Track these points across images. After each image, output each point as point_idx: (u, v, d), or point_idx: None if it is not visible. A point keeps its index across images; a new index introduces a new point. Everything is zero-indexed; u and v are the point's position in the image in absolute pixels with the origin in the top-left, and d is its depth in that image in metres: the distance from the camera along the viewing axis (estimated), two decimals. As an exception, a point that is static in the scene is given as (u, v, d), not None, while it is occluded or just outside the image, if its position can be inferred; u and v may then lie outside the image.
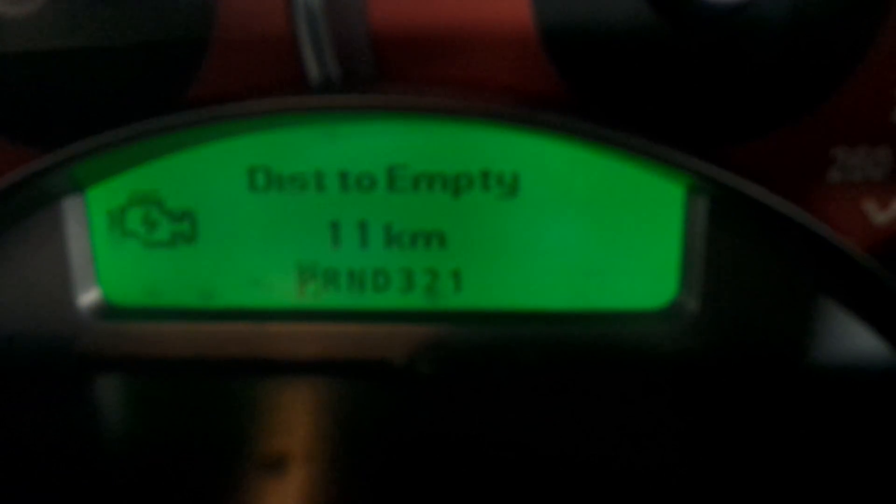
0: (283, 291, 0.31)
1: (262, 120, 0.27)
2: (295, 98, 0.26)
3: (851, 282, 0.27)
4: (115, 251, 0.31)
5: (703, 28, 0.27)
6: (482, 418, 0.28)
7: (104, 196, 0.31)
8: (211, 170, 0.30)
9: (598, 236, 0.30)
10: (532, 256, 0.30)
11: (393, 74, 0.28)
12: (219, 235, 0.31)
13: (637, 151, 0.26)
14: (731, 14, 0.26)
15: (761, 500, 0.24)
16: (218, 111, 0.26)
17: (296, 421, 0.28)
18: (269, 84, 0.28)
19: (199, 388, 0.30)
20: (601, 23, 0.27)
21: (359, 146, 0.30)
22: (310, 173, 0.30)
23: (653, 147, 0.26)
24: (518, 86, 0.28)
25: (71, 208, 0.31)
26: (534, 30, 0.28)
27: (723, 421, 0.28)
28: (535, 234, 0.30)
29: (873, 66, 0.27)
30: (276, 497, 0.25)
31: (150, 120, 0.27)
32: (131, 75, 0.29)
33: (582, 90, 0.28)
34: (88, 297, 0.31)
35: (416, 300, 0.31)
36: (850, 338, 0.29)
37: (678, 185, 0.29)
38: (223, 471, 0.26)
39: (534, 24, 0.28)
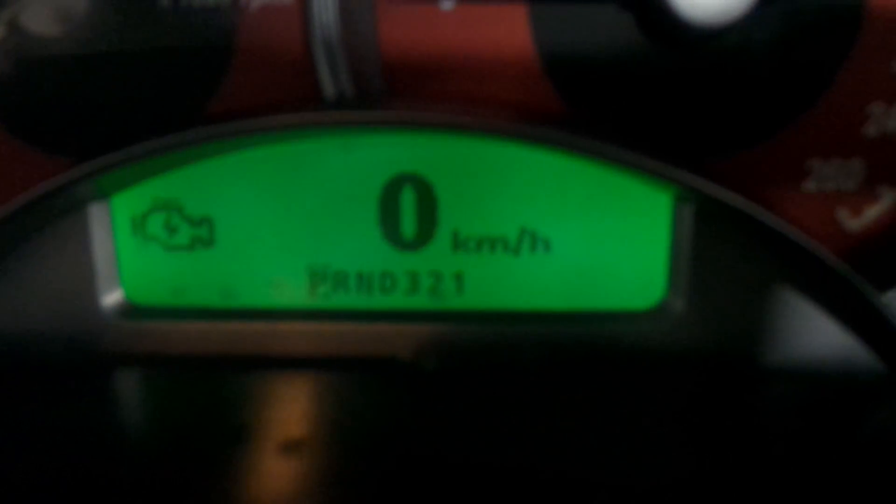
0: (296, 292, 0.33)
1: (279, 134, 0.29)
2: (311, 114, 0.28)
3: (826, 284, 0.29)
4: (137, 254, 0.33)
5: (689, 50, 0.29)
6: (480, 412, 0.29)
7: (128, 202, 0.33)
8: (228, 178, 0.32)
9: (590, 241, 0.31)
10: (529, 259, 0.32)
11: (401, 92, 0.30)
12: (235, 239, 0.33)
13: (628, 164, 0.28)
14: (716, 37, 0.28)
15: (743, 495, 0.26)
16: (240, 126, 0.28)
17: (308, 411, 0.30)
18: (285, 99, 0.30)
19: (215, 383, 0.32)
20: (596, 45, 0.29)
21: (367, 156, 0.32)
22: (319, 182, 0.32)
23: (642, 160, 0.28)
24: (518, 103, 0.30)
25: (96, 214, 0.33)
26: (533, 51, 0.30)
27: (706, 415, 0.29)
28: (531, 237, 0.32)
29: (846, 83, 0.30)
30: (291, 480, 0.27)
31: (174, 135, 0.29)
32: (156, 89, 0.31)
33: (578, 107, 0.30)
34: (112, 298, 0.33)
35: (420, 301, 0.33)
36: (826, 336, 0.31)
37: (666, 194, 0.31)
38: (241, 459, 0.28)
39: (534, 46, 0.30)
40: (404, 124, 0.28)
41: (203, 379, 0.32)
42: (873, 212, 0.31)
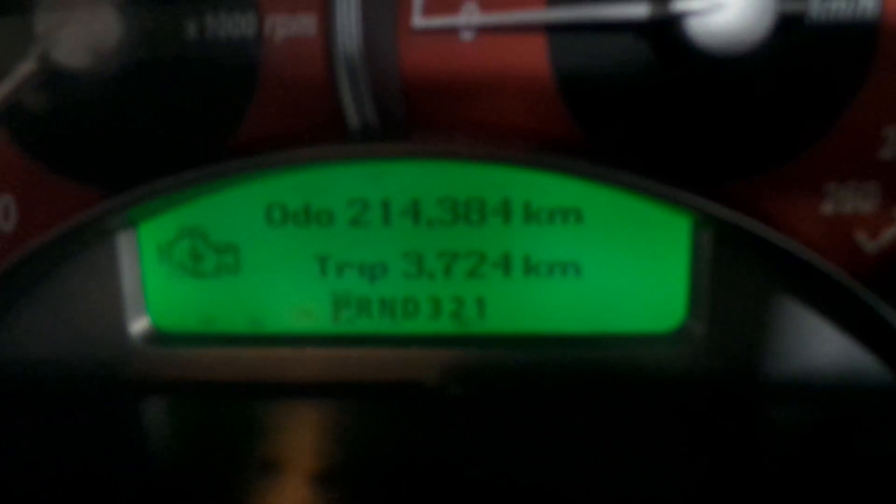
0: (320, 318, 0.34)
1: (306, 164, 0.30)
2: (337, 148, 0.28)
3: (844, 306, 0.29)
4: (163, 281, 0.34)
5: (707, 77, 0.29)
6: (504, 435, 0.30)
7: (154, 231, 0.33)
8: (252, 206, 0.33)
9: (612, 266, 0.32)
10: (550, 284, 0.32)
11: (422, 119, 0.31)
12: (260, 266, 0.33)
13: (646, 191, 0.28)
14: (733, 65, 0.29)
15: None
16: (267, 160, 0.28)
17: (336, 439, 0.30)
18: (309, 127, 0.30)
19: (242, 410, 0.32)
20: (613, 72, 0.30)
21: (388, 182, 0.32)
22: (343, 208, 0.33)
23: (660, 187, 0.28)
24: (536, 128, 0.31)
25: (124, 242, 0.33)
26: (552, 79, 0.30)
27: (725, 436, 0.30)
28: (554, 262, 0.32)
29: (862, 108, 0.30)
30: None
31: (202, 169, 0.29)
32: (183, 119, 0.32)
33: (597, 133, 0.30)
34: (139, 325, 0.34)
35: (443, 326, 0.33)
36: (845, 356, 0.31)
37: (685, 219, 0.31)
38: (268, 485, 0.28)
39: (552, 74, 0.30)
40: (427, 156, 0.29)
41: (229, 406, 0.33)
42: (890, 233, 0.31)
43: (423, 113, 0.31)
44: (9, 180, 0.34)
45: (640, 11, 0.28)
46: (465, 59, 0.30)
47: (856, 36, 0.29)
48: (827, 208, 0.31)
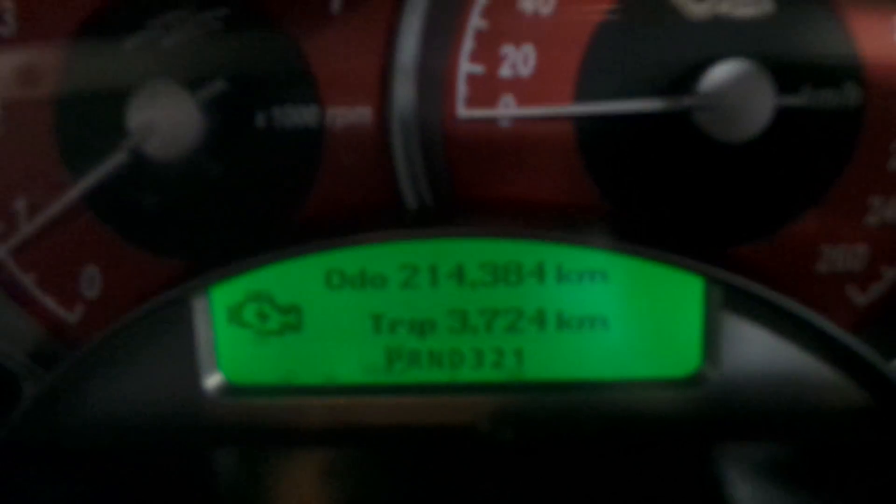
0: (372, 371, 0.38)
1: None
2: (399, 231, 0.33)
3: (839, 354, 0.34)
4: (233, 340, 0.38)
5: (714, 159, 0.34)
6: (537, 475, 0.33)
7: (225, 295, 0.37)
8: (314, 271, 0.37)
9: (635, 319, 0.36)
10: (581, 335, 0.36)
11: (467, 194, 0.35)
12: (320, 325, 0.37)
13: (659, 259, 0.33)
14: (737, 148, 0.33)
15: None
16: (333, 242, 0.32)
17: (397, 480, 0.34)
18: (370, 207, 0.35)
19: (310, 456, 0.36)
20: (632, 153, 0.34)
21: (435, 249, 0.36)
22: (395, 272, 0.37)
23: (671, 257, 0.32)
24: (567, 200, 0.35)
25: (198, 306, 0.37)
26: (578, 158, 0.35)
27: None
28: (584, 316, 0.36)
29: (849, 181, 0.35)
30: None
31: (273, 251, 0.33)
32: (253, 200, 0.36)
33: (620, 206, 0.35)
34: (212, 380, 0.38)
35: (486, 374, 0.37)
36: (843, 401, 0.35)
37: (698, 278, 0.35)
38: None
39: (578, 154, 0.35)
40: (471, 235, 0.33)
41: (294, 451, 0.37)
42: (878, 288, 0.35)
43: (468, 189, 0.35)
44: (93, 253, 0.38)
45: (655, 106, 0.33)
46: (502, 143, 0.35)
47: (843, 121, 0.33)
48: (821, 268, 0.35)
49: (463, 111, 0.34)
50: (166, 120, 0.34)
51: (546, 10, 0.34)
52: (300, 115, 0.35)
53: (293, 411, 0.37)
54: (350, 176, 0.35)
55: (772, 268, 0.35)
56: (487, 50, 0.34)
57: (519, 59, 0.34)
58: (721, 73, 0.32)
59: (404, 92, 0.34)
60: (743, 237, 0.35)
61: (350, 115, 0.35)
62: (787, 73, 0.33)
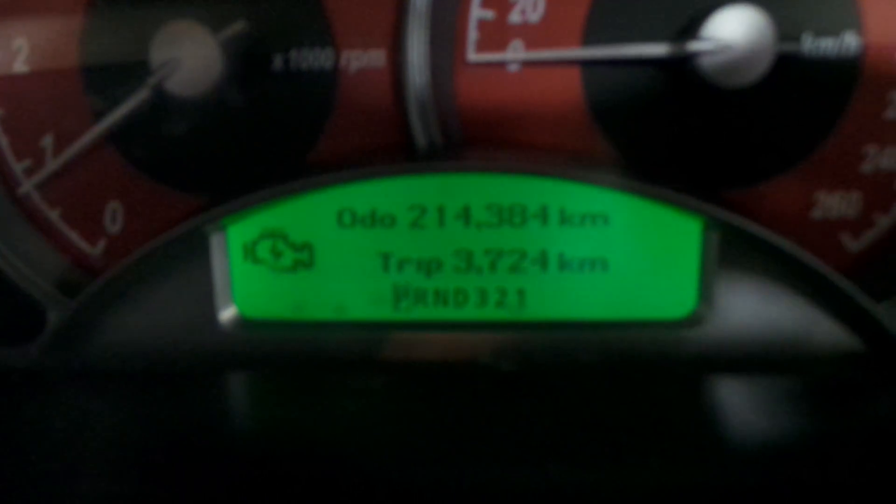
0: (380, 307, 0.39)
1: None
2: (407, 165, 0.34)
3: (831, 296, 0.35)
4: (248, 276, 0.39)
5: (716, 104, 0.35)
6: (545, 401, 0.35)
7: (241, 232, 0.39)
8: (326, 210, 0.38)
9: (634, 261, 0.37)
10: (581, 277, 0.38)
11: (476, 137, 0.36)
12: (331, 263, 0.39)
13: (661, 199, 0.34)
14: (738, 94, 0.34)
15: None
16: (342, 176, 0.34)
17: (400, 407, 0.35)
18: (383, 147, 0.36)
19: (316, 384, 0.38)
20: (637, 99, 0.35)
21: (442, 190, 0.38)
22: (405, 213, 0.38)
23: (675, 195, 0.34)
24: (572, 145, 0.36)
25: (215, 242, 0.39)
26: (584, 103, 0.36)
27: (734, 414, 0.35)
28: (584, 258, 0.38)
29: (845, 129, 0.36)
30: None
31: (286, 184, 0.35)
32: (269, 139, 0.37)
33: (623, 150, 0.36)
34: (227, 313, 0.39)
35: (489, 313, 0.38)
36: (833, 340, 0.36)
37: (696, 222, 0.37)
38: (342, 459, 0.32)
39: (584, 99, 0.36)
40: (479, 170, 0.34)
41: (306, 380, 0.38)
42: (871, 235, 0.36)
43: (477, 132, 0.36)
44: (116, 189, 0.39)
45: (660, 51, 0.34)
46: (511, 88, 0.36)
47: (841, 69, 0.34)
48: (817, 213, 0.36)
49: (473, 55, 0.35)
50: (189, 58, 0.35)
51: (555, -43, 0.35)
52: (316, 58, 0.36)
53: (303, 344, 0.39)
54: (362, 118, 0.37)
55: (767, 213, 0.36)
56: (498, -4, 0.35)
57: (528, 5, 0.35)
58: (725, 19, 0.33)
59: (417, 36, 0.35)
60: (740, 181, 0.36)
61: (364, 58, 0.36)
62: (787, 20, 0.34)
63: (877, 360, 0.35)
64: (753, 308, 0.36)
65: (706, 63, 0.33)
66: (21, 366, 0.39)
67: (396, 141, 0.36)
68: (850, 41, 0.34)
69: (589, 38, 0.35)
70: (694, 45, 0.33)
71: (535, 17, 0.35)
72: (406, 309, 0.39)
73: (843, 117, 0.35)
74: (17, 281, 0.39)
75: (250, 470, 0.31)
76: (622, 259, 0.37)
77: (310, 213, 0.39)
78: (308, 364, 0.39)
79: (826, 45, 0.34)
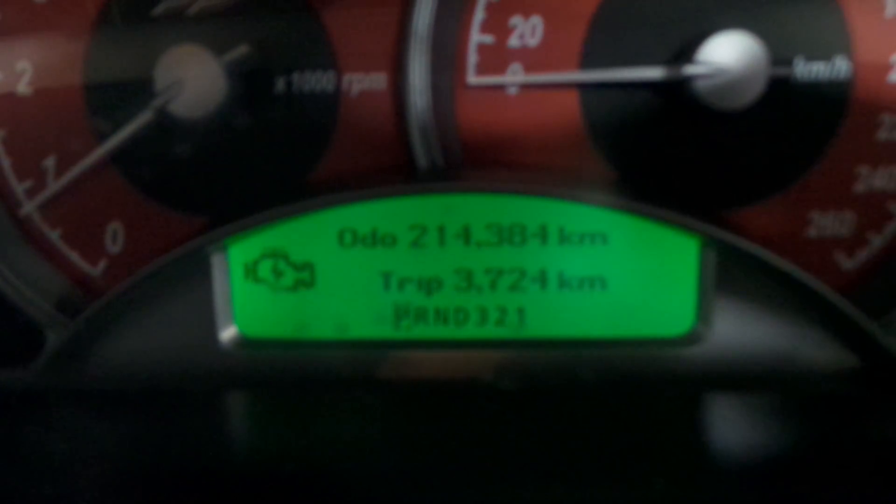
0: (381, 326, 0.39)
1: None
2: (408, 186, 0.34)
3: (826, 313, 0.35)
4: (248, 295, 0.39)
5: (711, 126, 0.36)
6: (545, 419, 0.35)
7: (242, 252, 0.39)
8: (327, 230, 0.39)
9: (632, 280, 0.38)
10: (580, 295, 0.38)
11: (475, 159, 0.37)
12: (332, 282, 0.39)
13: (659, 218, 0.34)
14: (733, 116, 0.35)
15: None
16: (349, 196, 0.34)
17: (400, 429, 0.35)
18: (384, 169, 0.36)
19: (317, 404, 0.38)
20: (634, 120, 0.36)
21: (443, 210, 0.38)
22: (405, 232, 0.38)
23: (673, 215, 0.34)
24: (570, 166, 0.37)
25: (216, 262, 0.39)
26: (582, 124, 0.37)
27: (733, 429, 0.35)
28: (584, 277, 0.38)
29: (838, 150, 0.36)
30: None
31: (288, 206, 0.35)
32: (270, 160, 0.38)
33: (621, 171, 0.36)
34: (228, 333, 0.39)
35: (489, 332, 0.39)
36: (830, 357, 0.37)
37: (693, 241, 0.37)
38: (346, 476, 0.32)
39: (582, 121, 0.36)
40: (479, 190, 0.35)
41: (306, 399, 0.38)
42: (864, 254, 0.37)
43: (477, 154, 0.37)
44: (117, 210, 0.40)
45: (656, 74, 0.34)
46: (510, 110, 0.37)
47: (832, 92, 0.35)
48: (811, 233, 0.37)
49: (473, 78, 0.36)
50: (192, 81, 0.36)
51: (554, -17, 0.36)
52: (318, 80, 0.37)
53: (302, 363, 0.39)
54: (364, 140, 0.37)
55: (763, 233, 0.37)
56: (497, 21, 0.36)
57: (527, 30, 0.36)
58: (719, 43, 0.34)
59: (418, 59, 0.35)
60: (737, 202, 0.37)
61: (366, 80, 0.37)
62: (780, 44, 0.35)
63: (873, 377, 0.36)
64: (751, 326, 0.36)
65: (701, 86, 0.34)
66: (20, 386, 0.39)
67: (398, 162, 0.37)
68: (840, 65, 0.35)
69: (586, 62, 0.36)
70: (689, 69, 0.34)
71: (533, 41, 0.36)
72: (407, 328, 0.39)
73: (835, 139, 0.36)
74: (16, 301, 0.39)
75: (251, 490, 0.31)
76: (621, 278, 0.38)
77: (311, 232, 0.39)
78: (309, 383, 0.39)
79: (818, 69, 0.35)
